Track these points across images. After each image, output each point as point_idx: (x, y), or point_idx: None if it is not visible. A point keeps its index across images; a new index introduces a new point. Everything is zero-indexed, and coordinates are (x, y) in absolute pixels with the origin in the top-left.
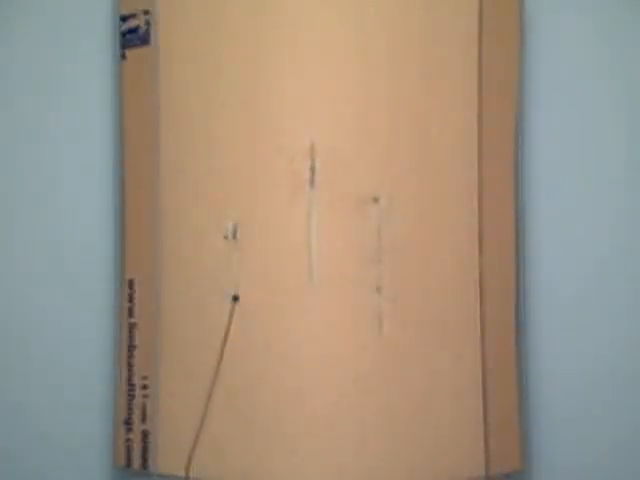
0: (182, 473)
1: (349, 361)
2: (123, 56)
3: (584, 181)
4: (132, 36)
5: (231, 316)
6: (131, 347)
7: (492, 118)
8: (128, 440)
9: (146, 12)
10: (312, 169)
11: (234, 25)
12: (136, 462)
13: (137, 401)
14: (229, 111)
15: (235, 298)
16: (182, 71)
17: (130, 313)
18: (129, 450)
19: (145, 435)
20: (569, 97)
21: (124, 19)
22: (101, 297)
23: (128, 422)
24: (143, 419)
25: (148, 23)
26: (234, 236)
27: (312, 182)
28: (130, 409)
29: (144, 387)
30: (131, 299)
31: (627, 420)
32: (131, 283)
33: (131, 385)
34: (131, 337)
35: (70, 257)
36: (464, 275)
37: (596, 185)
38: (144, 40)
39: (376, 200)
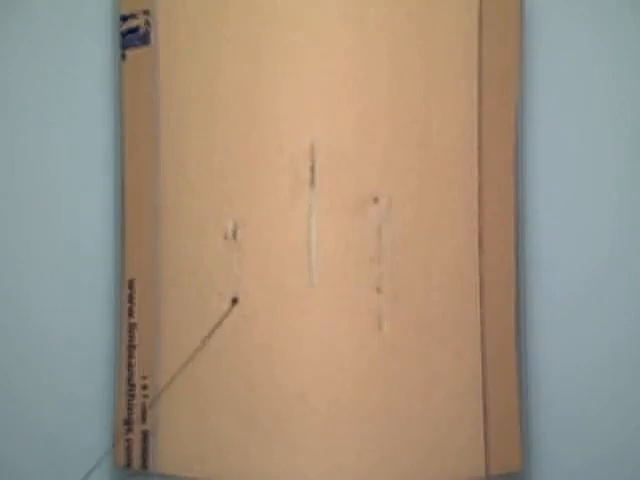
0: (182, 473)
1: (349, 361)
2: (123, 56)
3: (585, 180)
4: (132, 36)
5: (226, 315)
6: (131, 347)
7: (492, 118)
8: (128, 440)
9: (146, 12)
10: (312, 169)
11: (234, 25)
12: (136, 462)
13: (137, 401)
14: (229, 111)
15: (234, 300)
16: (182, 71)
17: (130, 313)
18: (129, 450)
19: (145, 435)
20: (570, 97)
21: (124, 19)
22: (101, 297)
23: (128, 422)
24: (143, 419)
25: (148, 23)
26: (234, 236)
27: (312, 182)
28: (130, 409)
29: (144, 387)
30: (131, 299)
31: (627, 420)
32: (131, 283)
33: (131, 385)
34: (131, 337)
35: (70, 257)
36: (464, 275)
37: (597, 184)
38: (144, 40)
39: (376, 200)
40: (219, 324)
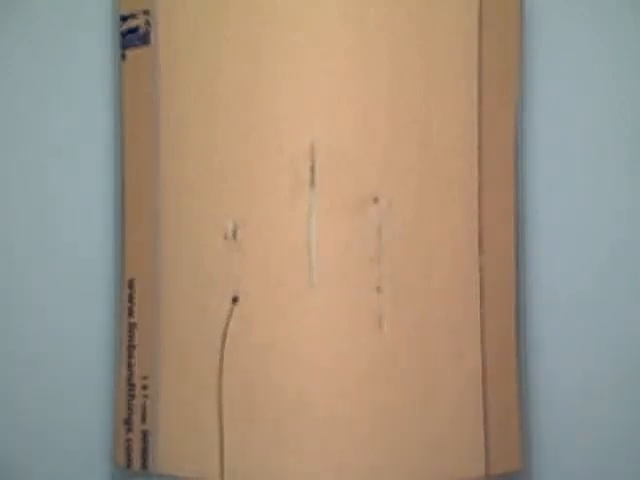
0: (182, 473)
1: (349, 361)
2: (123, 56)
3: (585, 180)
4: (132, 36)
5: (229, 317)
6: (131, 347)
7: (492, 118)
8: (128, 440)
9: (146, 12)
10: (312, 169)
11: (234, 25)
12: (136, 462)
13: (137, 401)
14: (229, 111)
15: (234, 299)
16: (182, 71)
17: (130, 313)
18: (129, 450)
19: (145, 435)
20: (570, 97)
21: (124, 19)
22: (101, 297)
23: (128, 422)
24: (143, 419)
25: (148, 23)
26: (234, 236)
27: (312, 182)
28: (130, 409)
29: (144, 387)
30: (131, 299)
31: (627, 420)
32: (131, 283)
33: (131, 385)
34: (131, 337)
35: (70, 257)
36: (464, 275)
37: (597, 184)
38: (144, 40)
39: (376, 200)
40: (227, 327)
